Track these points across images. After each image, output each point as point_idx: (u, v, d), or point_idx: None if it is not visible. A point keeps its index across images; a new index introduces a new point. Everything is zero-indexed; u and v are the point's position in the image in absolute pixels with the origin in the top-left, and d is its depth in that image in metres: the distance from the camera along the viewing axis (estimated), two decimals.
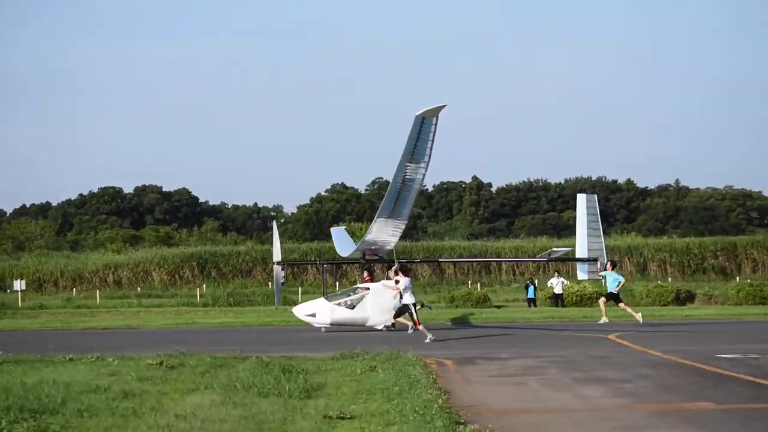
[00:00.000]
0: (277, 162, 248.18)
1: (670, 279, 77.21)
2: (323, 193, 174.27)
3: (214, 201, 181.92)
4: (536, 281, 61.68)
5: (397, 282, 35.28)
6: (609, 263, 39.93)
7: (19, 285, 63.03)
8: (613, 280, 38.73)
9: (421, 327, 33.37)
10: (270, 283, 74.77)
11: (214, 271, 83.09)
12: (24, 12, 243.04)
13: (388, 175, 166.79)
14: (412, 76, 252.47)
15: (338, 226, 58.75)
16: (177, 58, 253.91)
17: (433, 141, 31.94)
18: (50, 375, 21.49)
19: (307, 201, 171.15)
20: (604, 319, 38.93)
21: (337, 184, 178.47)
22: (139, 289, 78.82)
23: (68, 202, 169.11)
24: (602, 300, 39.64)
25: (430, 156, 32.50)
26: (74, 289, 79.29)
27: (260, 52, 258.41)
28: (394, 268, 36.83)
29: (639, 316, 38.47)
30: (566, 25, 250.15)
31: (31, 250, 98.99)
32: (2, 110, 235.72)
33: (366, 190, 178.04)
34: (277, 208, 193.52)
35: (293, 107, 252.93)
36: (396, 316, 35.08)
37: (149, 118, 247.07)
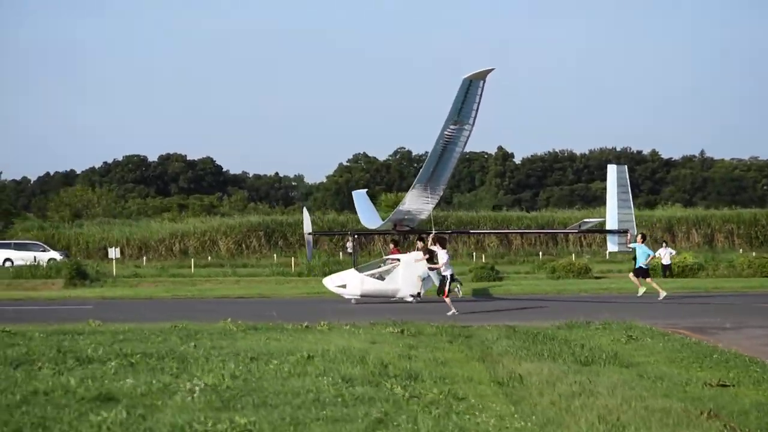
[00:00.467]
0: (297, 132, 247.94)
1: (741, 250, 77.43)
2: (346, 163, 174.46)
3: (234, 170, 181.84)
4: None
5: (429, 252, 34.77)
6: (639, 236, 39.78)
7: (114, 253, 62.87)
8: (642, 253, 38.49)
9: (447, 300, 32.71)
10: (341, 253, 74.83)
11: (281, 240, 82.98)
12: None
13: (411, 145, 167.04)
14: (434, 45, 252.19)
15: (360, 190, 57.32)
16: (202, 29, 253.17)
17: (479, 104, 32.19)
18: (324, 344, 21.31)
19: (329, 171, 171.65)
20: (662, 293, 38.36)
21: (359, 153, 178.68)
22: (209, 258, 78.74)
23: (92, 170, 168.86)
24: (631, 275, 39.97)
25: (475, 119, 32.79)
26: (144, 258, 79.32)
27: (282, 24, 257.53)
28: (431, 236, 36.24)
29: (663, 293, 38.19)
30: None
31: (88, 217, 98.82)
32: (27, 77, 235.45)
33: (388, 160, 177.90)
34: (299, 178, 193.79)
35: (314, 77, 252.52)
36: (439, 290, 33.55)
37: (173, 86, 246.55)
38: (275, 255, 76.68)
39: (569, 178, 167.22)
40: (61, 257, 76.00)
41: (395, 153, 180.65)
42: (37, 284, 54.03)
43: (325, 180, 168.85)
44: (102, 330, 24.48)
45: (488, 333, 24.22)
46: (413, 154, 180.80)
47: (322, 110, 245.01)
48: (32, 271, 59.54)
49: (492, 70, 30.90)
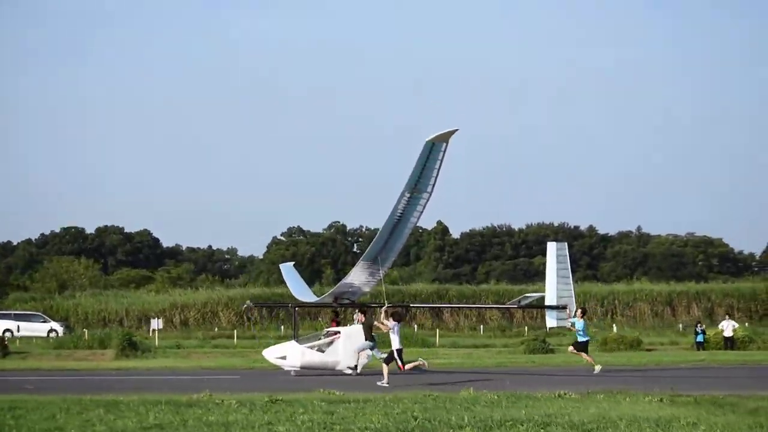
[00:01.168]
0: (229, 204, 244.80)
1: (746, 323, 78.75)
2: (281, 237, 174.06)
3: (168, 243, 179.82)
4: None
5: (368, 325, 35.60)
6: (579, 310, 40.12)
7: (156, 324, 61.92)
8: (580, 328, 38.72)
9: (385, 369, 32.41)
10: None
11: (282, 312, 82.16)
12: None
13: (345, 219, 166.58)
14: (371, 117, 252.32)
15: (287, 263, 57.19)
16: (134, 89, 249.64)
17: (439, 169, 31.77)
18: (629, 412, 21.32)
19: (262, 244, 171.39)
20: (597, 367, 37.95)
21: (294, 227, 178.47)
22: (216, 330, 77.83)
23: (29, 242, 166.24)
24: (570, 348, 39.94)
25: (433, 186, 32.39)
26: (144, 329, 78.41)
27: (211, 89, 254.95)
28: (385, 309, 35.32)
29: (598, 367, 37.91)
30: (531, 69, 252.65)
31: (75, 288, 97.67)
32: None
33: (323, 233, 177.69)
34: (232, 251, 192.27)
35: (244, 146, 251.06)
36: (387, 361, 32.97)
37: (109, 155, 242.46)
38: (283, 327, 75.90)
39: (508, 252, 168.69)
40: (62, 328, 75.35)
41: (330, 227, 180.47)
42: (86, 354, 53.09)
43: (264, 253, 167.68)
44: (355, 399, 24.10)
45: (749, 402, 24.03)
46: (348, 227, 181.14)
47: (253, 182, 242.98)
48: (74, 341, 58.61)
49: (456, 131, 30.52)
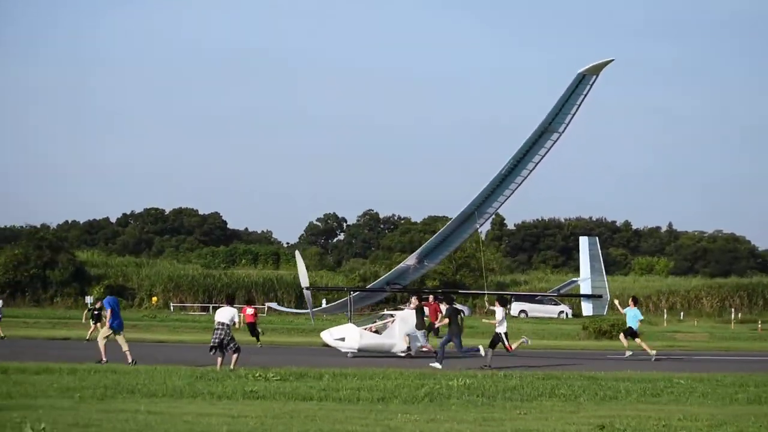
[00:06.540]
0: (265, 189, 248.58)
1: None
2: (316, 222, 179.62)
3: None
4: None
5: (493, 312, 35.75)
6: (631, 300, 41.76)
7: None
8: (632, 316, 39.69)
9: (514, 346, 34.56)
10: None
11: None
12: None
13: (379, 208, 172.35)
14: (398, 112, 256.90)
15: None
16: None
17: (579, 106, 31.52)
18: None
19: (298, 230, 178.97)
20: (628, 353, 39.97)
21: (330, 213, 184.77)
22: None
23: (106, 220, 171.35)
24: (622, 335, 40.49)
25: (566, 126, 32.44)
26: None
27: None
28: (496, 299, 36.60)
29: (653, 353, 39.49)
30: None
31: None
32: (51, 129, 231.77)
33: (358, 220, 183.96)
34: (266, 235, 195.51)
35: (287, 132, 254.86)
36: (491, 345, 34.44)
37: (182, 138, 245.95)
38: None
39: (559, 243, 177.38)
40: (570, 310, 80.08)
41: (364, 215, 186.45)
42: None
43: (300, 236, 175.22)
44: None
45: None
46: (381, 216, 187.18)
47: (288, 167, 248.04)
48: None
49: (611, 61, 29.86)
